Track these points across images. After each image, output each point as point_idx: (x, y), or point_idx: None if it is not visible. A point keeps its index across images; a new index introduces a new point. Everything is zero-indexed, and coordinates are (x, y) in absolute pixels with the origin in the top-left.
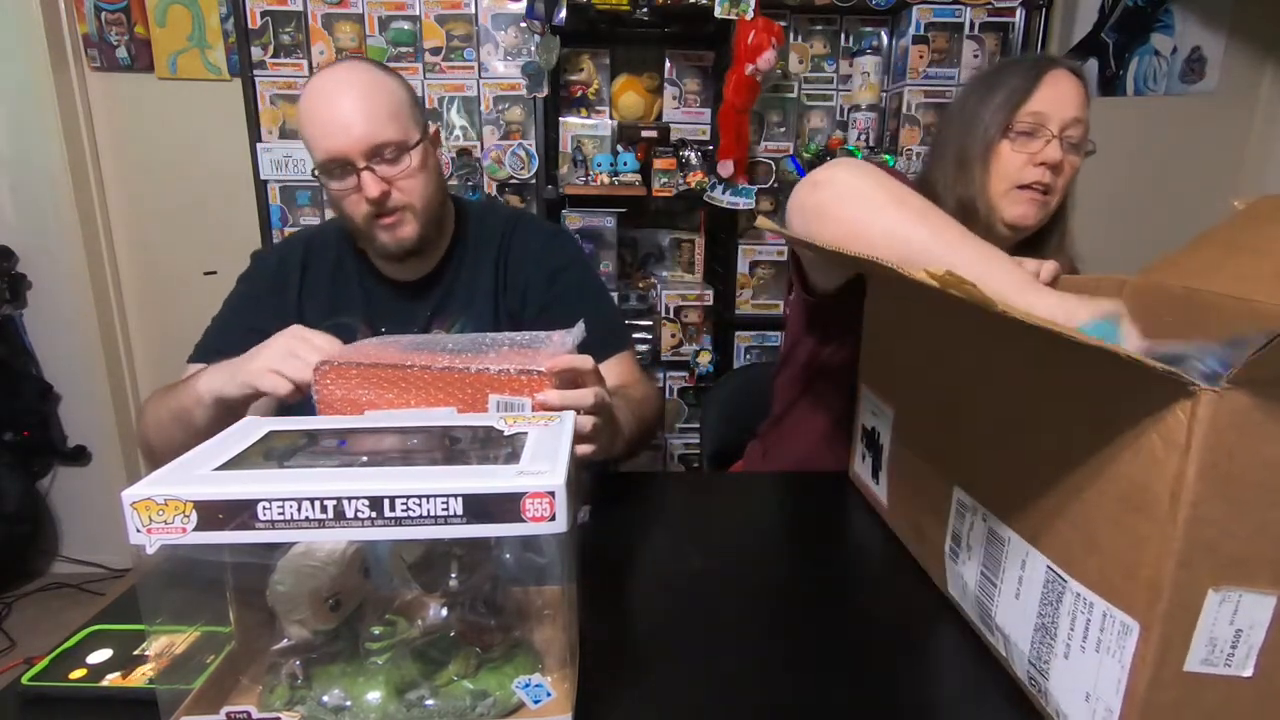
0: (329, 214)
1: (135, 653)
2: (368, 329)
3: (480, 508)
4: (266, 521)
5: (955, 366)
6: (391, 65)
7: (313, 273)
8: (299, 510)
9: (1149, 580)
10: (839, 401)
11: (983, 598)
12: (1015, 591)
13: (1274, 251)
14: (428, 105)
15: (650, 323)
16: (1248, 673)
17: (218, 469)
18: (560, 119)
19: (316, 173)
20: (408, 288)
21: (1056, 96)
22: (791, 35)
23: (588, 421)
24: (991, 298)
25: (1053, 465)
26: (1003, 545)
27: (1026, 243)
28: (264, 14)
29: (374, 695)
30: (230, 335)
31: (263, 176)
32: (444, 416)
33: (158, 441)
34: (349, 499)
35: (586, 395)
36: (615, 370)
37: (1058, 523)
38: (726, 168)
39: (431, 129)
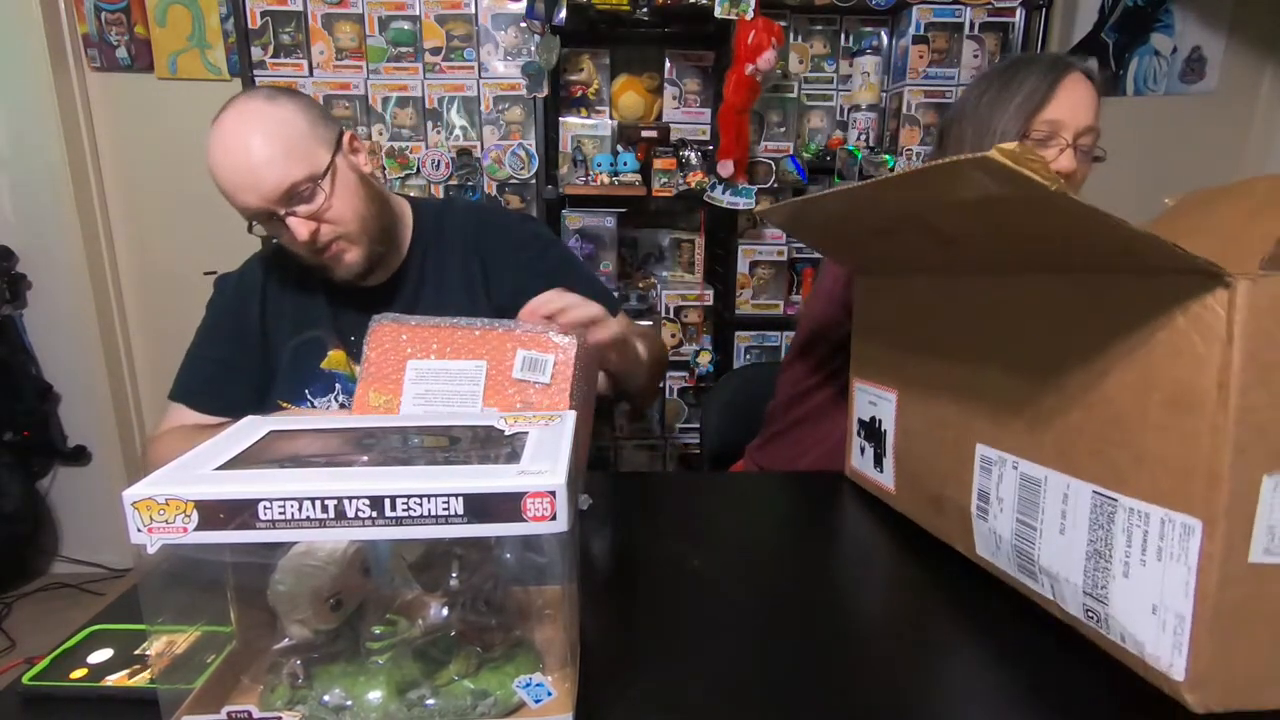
0: None
1: (136, 652)
2: (337, 340)
3: (481, 507)
4: (267, 521)
5: (963, 332)
6: (391, 65)
7: (275, 290)
8: (300, 510)
9: (1207, 475)
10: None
11: (1022, 544)
12: (1060, 527)
13: (1212, 229)
14: (428, 105)
15: (650, 323)
16: None
17: (218, 468)
18: (560, 119)
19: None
20: (374, 293)
21: (1073, 103)
22: (791, 35)
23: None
24: (1050, 177)
25: (1086, 393)
26: (1039, 487)
27: None
28: (264, 14)
29: (375, 695)
30: (201, 370)
31: None
32: (475, 371)
33: None
34: (349, 499)
35: (593, 306)
36: None
37: (1098, 447)
38: (726, 168)
39: (346, 135)
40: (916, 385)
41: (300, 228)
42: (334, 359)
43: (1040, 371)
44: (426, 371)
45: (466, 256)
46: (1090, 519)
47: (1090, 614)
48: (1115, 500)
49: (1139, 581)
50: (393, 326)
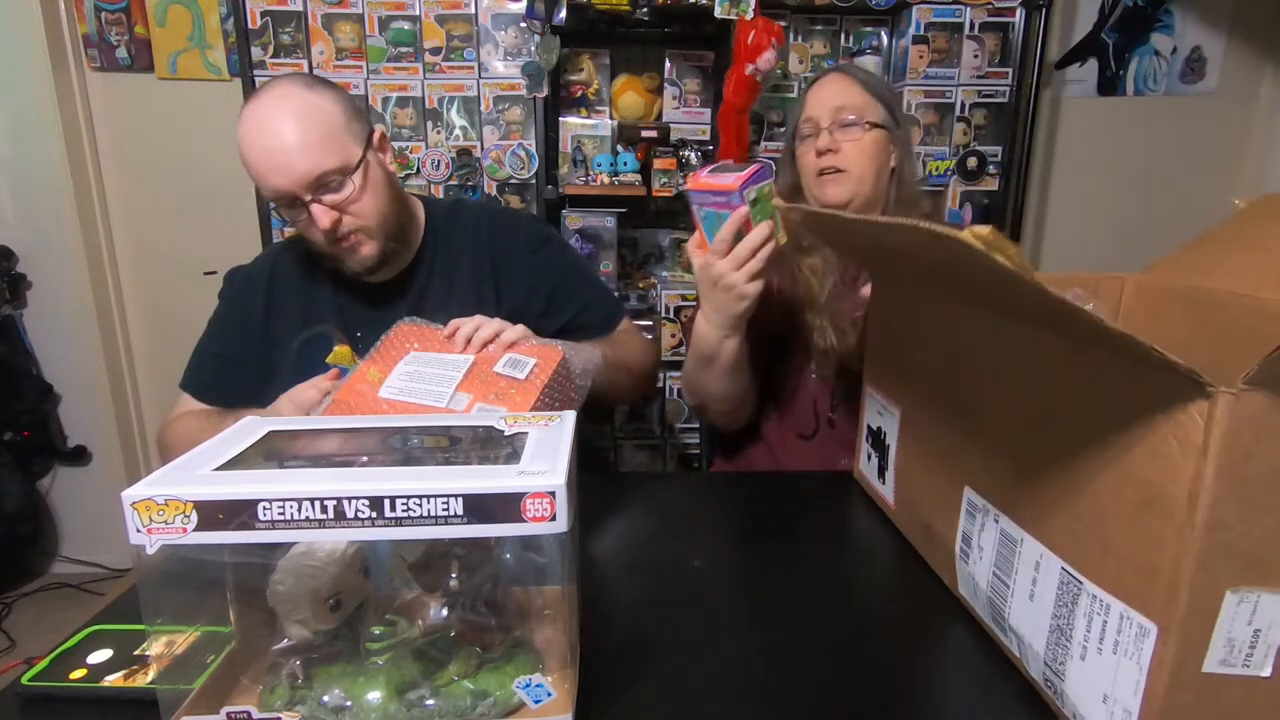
0: None
1: (135, 653)
2: (343, 335)
3: (480, 508)
4: (267, 521)
5: (965, 366)
6: (391, 65)
7: (282, 286)
8: (299, 510)
9: (1167, 582)
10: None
11: (995, 599)
12: (1029, 593)
13: (1277, 249)
14: (428, 105)
15: (650, 323)
16: (1266, 672)
17: (218, 469)
18: (560, 119)
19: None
20: (382, 290)
21: (822, 96)
22: (791, 35)
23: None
24: (1027, 267)
25: (1067, 466)
26: (1015, 546)
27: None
28: (264, 14)
29: (374, 695)
30: (207, 363)
31: None
32: (460, 362)
33: None
34: (349, 499)
35: (493, 325)
36: (618, 338)
37: (1072, 524)
38: None
39: (376, 132)
40: (919, 407)
41: (323, 216)
42: (339, 354)
43: (1031, 426)
44: (420, 359)
45: (477, 256)
46: (1057, 595)
47: (1049, 683)
48: (1081, 584)
49: (1094, 668)
50: (416, 327)
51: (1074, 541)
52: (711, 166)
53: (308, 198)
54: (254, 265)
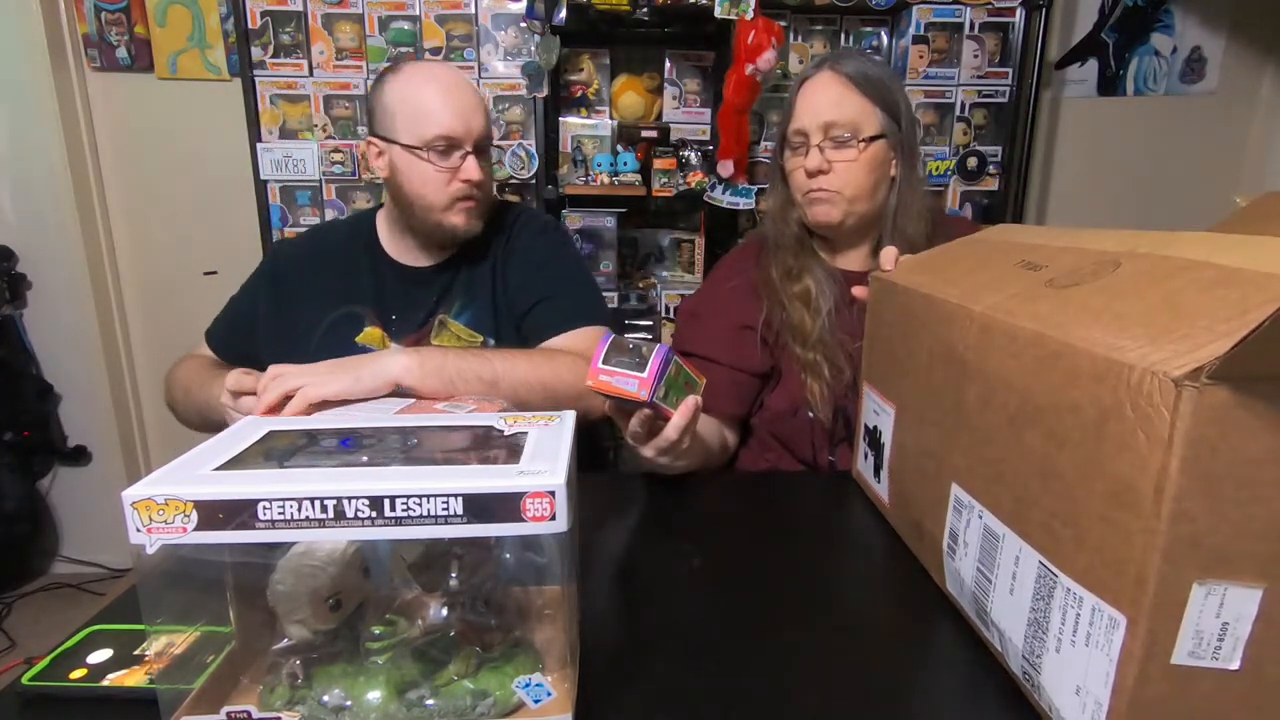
0: (329, 214)
1: (135, 653)
2: (376, 317)
3: (480, 507)
4: (267, 521)
5: (954, 366)
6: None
7: (325, 262)
8: (299, 510)
9: (1135, 575)
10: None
11: (979, 594)
12: (1009, 587)
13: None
14: None
15: (650, 323)
16: (1235, 665)
17: (218, 469)
18: (560, 119)
19: (411, 146)
20: (418, 275)
21: (811, 106)
22: (791, 35)
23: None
24: None
25: (1044, 462)
26: (997, 541)
27: (864, 232)
28: (264, 14)
29: (374, 695)
30: (227, 319)
31: (263, 176)
32: (402, 403)
33: (181, 409)
34: (349, 499)
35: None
36: (572, 341)
37: (1048, 519)
38: (726, 168)
39: None
40: (911, 405)
41: (475, 170)
42: (370, 335)
43: (1012, 420)
44: (352, 407)
45: (495, 259)
46: (1034, 588)
47: (1027, 676)
48: (1056, 577)
49: (1068, 660)
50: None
51: (1050, 536)
52: (605, 346)
53: (469, 148)
54: (299, 242)
